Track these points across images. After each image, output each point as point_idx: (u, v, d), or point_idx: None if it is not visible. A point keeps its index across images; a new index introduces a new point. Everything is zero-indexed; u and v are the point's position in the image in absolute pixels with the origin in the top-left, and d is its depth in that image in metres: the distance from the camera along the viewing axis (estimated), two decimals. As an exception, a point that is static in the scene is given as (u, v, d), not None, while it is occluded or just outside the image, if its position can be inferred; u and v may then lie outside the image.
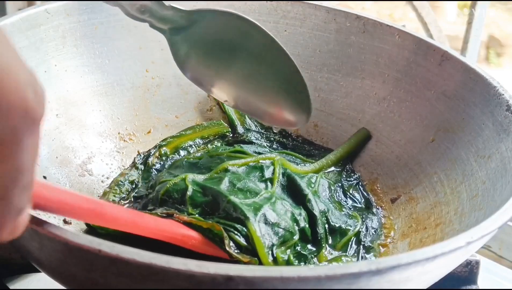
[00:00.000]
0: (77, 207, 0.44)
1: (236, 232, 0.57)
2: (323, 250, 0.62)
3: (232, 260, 0.56)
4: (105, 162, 0.72)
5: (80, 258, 0.40)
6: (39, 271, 0.51)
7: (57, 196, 0.42)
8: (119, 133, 0.75)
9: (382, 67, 0.76)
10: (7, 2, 1.20)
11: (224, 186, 0.61)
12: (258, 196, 0.61)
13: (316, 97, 0.78)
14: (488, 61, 2.27)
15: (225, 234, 0.56)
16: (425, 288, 0.48)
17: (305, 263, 0.60)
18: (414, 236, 0.63)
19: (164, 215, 0.59)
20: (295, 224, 0.61)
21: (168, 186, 0.62)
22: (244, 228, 0.57)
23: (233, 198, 0.59)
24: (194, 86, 0.78)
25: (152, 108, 0.77)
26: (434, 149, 0.68)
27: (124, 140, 0.75)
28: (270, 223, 0.58)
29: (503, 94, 0.63)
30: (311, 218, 0.63)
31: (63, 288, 0.50)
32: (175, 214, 0.59)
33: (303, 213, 0.63)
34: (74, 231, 0.61)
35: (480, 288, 0.65)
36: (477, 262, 0.65)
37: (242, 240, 0.56)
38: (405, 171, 0.70)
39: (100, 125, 0.74)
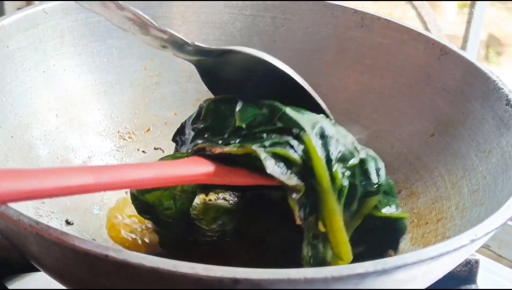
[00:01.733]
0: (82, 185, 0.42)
1: (288, 147, 0.51)
2: (378, 196, 0.54)
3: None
4: (105, 161, 0.72)
5: (87, 263, 0.41)
6: (39, 271, 0.51)
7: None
8: (118, 131, 0.75)
9: (381, 62, 0.76)
10: (5, 1, 1.19)
11: (278, 103, 0.55)
12: (316, 117, 0.55)
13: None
14: (488, 60, 2.27)
15: (263, 155, 0.50)
16: (426, 287, 0.48)
17: (360, 200, 0.53)
18: (416, 231, 0.64)
19: (195, 150, 0.55)
20: (355, 150, 0.53)
21: (218, 98, 0.58)
22: (298, 142, 0.51)
23: (288, 110, 0.53)
24: (193, 83, 0.79)
25: (151, 106, 0.77)
26: (434, 143, 0.68)
27: (124, 139, 0.75)
28: (329, 136, 0.52)
29: (502, 88, 0.63)
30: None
31: (63, 288, 0.50)
32: (206, 148, 0.54)
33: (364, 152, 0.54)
34: (78, 235, 0.61)
35: (479, 287, 0.65)
36: (477, 261, 0.65)
37: (295, 155, 0.50)
38: (406, 166, 0.70)
39: (99, 124, 0.74)
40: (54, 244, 0.40)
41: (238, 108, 0.56)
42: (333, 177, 0.51)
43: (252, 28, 0.80)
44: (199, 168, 0.51)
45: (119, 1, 0.58)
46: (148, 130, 0.77)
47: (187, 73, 0.79)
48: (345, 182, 0.51)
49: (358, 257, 0.52)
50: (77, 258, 0.41)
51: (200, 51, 0.64)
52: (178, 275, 0.38)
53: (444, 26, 2.02)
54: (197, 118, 0.59)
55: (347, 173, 0.52)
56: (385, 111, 0.74)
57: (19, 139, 0.64)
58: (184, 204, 0.61)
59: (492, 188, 0.57)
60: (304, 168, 0.51)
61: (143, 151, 0.75)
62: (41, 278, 0.65)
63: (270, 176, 0.50)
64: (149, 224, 0.63)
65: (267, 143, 0.51)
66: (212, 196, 0.68)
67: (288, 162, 0.51)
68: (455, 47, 0.70)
